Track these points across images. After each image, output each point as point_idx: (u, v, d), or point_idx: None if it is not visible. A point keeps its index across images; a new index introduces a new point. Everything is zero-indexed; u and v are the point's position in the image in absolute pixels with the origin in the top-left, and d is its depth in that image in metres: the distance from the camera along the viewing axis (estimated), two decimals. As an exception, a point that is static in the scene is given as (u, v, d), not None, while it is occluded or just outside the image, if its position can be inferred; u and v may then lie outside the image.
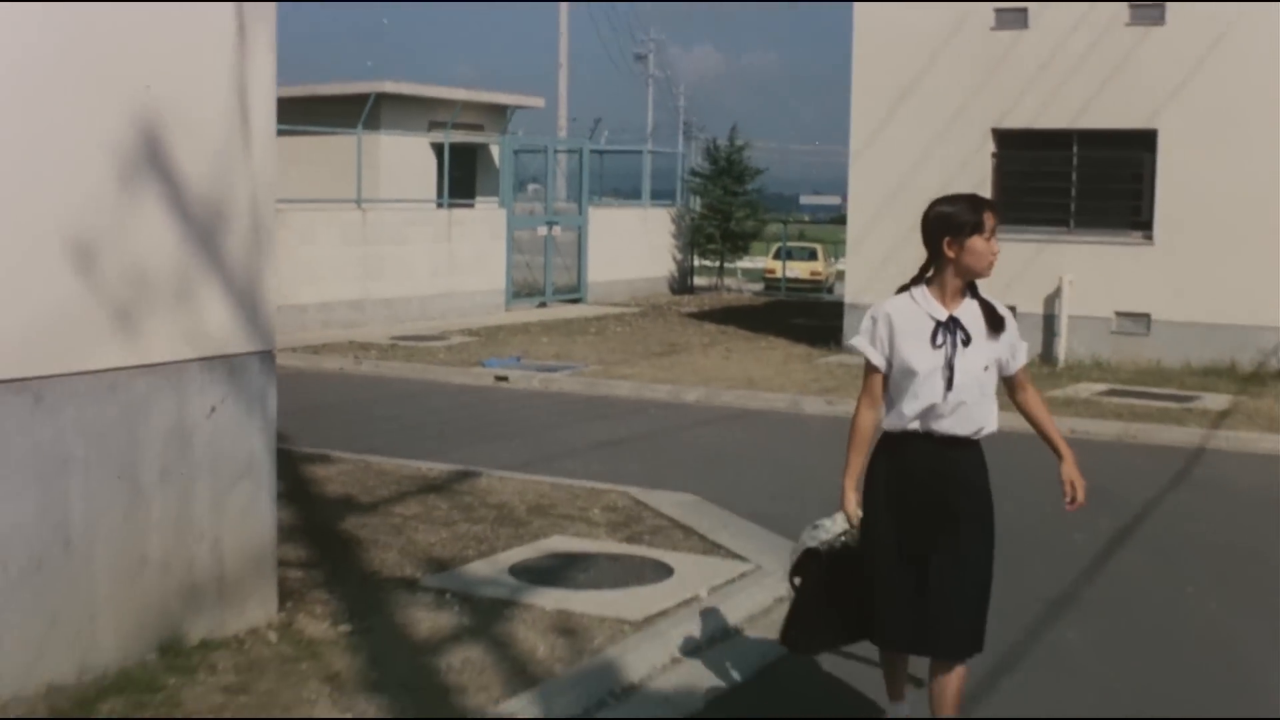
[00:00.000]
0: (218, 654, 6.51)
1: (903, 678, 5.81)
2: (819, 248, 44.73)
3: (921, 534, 5.33)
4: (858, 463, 5.56)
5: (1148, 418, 14.75)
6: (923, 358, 5.33)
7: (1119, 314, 19.30)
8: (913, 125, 20.13)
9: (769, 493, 11.07)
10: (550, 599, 7.46)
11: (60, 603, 6.01)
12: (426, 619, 7.16)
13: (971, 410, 5.34)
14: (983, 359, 5.35)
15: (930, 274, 5.46)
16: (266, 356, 7.01)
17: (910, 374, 5.35)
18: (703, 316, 27.15)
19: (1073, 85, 19.27)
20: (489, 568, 8.13)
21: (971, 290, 5.43)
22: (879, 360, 5.46)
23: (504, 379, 17.80)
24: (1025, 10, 19.73)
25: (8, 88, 5.67)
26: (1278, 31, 18.08)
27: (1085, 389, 16.89)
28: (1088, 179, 19.78)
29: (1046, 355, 19.31)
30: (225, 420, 6.76)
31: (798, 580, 5.74)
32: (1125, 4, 19.10)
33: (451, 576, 7.93)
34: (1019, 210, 19.18)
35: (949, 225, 5.33)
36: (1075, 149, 19.77)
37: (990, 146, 20.10)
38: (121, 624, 6.30)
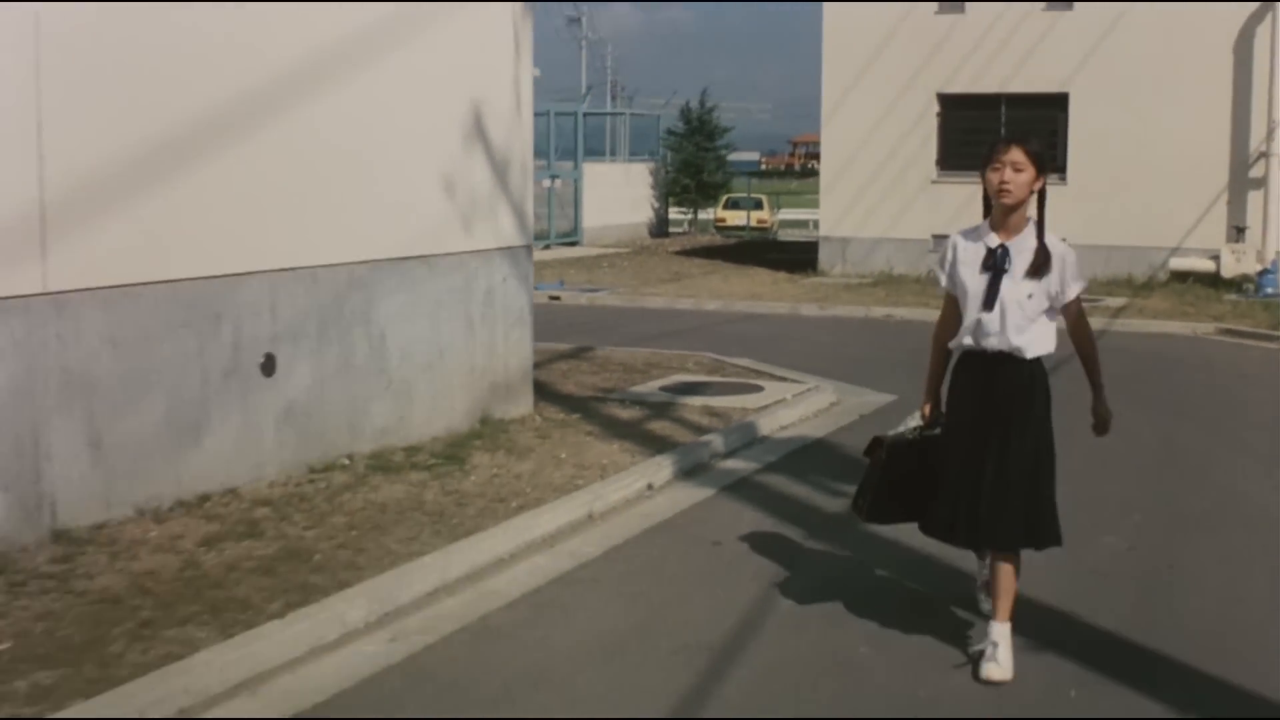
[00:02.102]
0: (514, 424, 10.64)
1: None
2: (764, 198, 48.91)
3: (976, 438, 5.73)
4: (931, 370, 6.08)
5: (1063, 313, 19.13)
6: (972, 280, 5.68)
7: (1040, 240, 23.65)
8: (873, 92, 24.36)
9: (799, 357, 15.25)
10: (695, 400, 11.67)
11: (438, 388, 10.15)
12: (621, 411, 11.32)
13: (1014, 331, 5.61)
14: (1027, 287, 5.59)
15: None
16: (529, 249, 11.15)
17: (964, 293, 5.73)
18: (689, 254, 31.32)
19: (1001, 59, 23.59)
20: (644, 389, 12.31)
21: (1039, 228, 5.68)
22: (944, 280, 5.89)
23: (557, 298, 21.92)
24: (962, -2, 24.04)
25: (426, 100, 9.78)
26: (1163, 13, 22.45)
27: (1015, 297, 21.27)
28: (1015, 132, 24.04)
29: (983, 274, 23.71)
30: (510, 286, 10.90)
31: (867, 460, 6.28)
32: (1042, -8, 23.45)
33: (622, 394, 12.09)
34: (959, 160, 23.54)
35: (981, 161, 5.73)
36: (1004, 109, 24.13)
37: (935, 108, 24.42)
38: (463, 405, 10.43)
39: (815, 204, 56.37)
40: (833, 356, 15.56)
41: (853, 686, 5.64)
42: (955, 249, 5.82)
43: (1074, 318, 5.78)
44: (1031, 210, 5.70)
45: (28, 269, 7.13)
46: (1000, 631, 5.68)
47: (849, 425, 11.28)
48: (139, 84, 7.69)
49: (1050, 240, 5.66)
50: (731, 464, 9.82)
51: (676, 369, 13.65)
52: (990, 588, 5.83)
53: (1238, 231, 22.42)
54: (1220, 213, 22.61)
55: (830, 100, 25.04)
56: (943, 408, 6.04)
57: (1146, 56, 22.65)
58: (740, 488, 9.06)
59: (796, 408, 11.63)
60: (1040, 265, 5.59)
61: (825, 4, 25.15)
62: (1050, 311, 5.68)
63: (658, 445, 9.96)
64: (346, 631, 6.17)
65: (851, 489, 6.52)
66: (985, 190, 5.70)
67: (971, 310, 5.69)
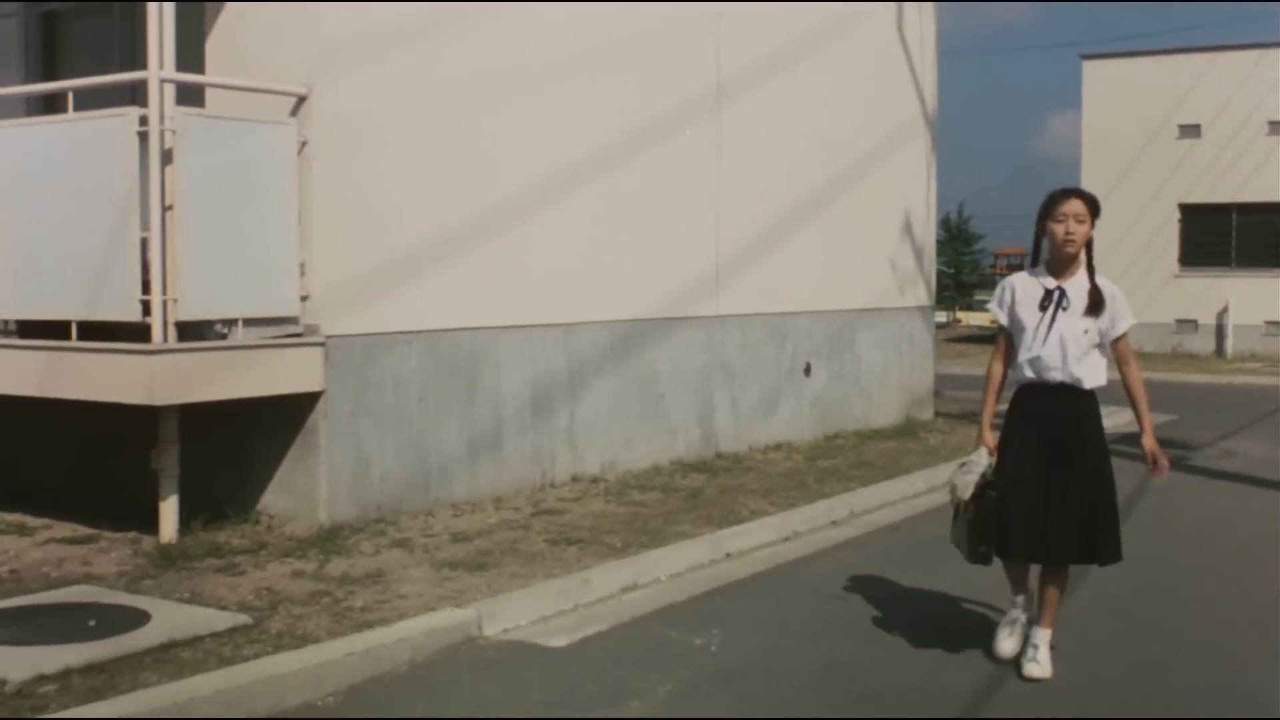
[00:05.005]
0: (927, 423, 15.54)
1: (1023, 578, 6.28)
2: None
3: (1042, 465, 5.97)
4: (989, 404, 6.30)
5: (1292, 376, 23.44)
6: (1030, 318, 5.97)
7: (1267, 323, 28.00)
8: (1125, 201, 28.96)
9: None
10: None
11: (885, 395, 15.16)
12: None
13: (1072, 364, 5.93)
14: (1083, 323, 5.90)
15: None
16: (932, 309, 16.21)
17: (1021, 330, 6.01)
18: (957, 340, 36.00)
19: (1231, 174, 28.10)
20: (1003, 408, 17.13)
21: (1089, 269, 5.98)
22: (1003, 318, 6.14)
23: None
24: (1199, 125, 28.60)
25: (880, 208, 14.96)
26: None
27: (1250, 366, 25.60)
28: (1243, 235, 28.55)
29: (1219, 350, 28.07)
30: (921, 332, 15.94)
31: (971, 508, 6.12)
32: (1265, 120, 27.90)
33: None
34: (1197, 257, 28.14)
35: (1040, 212, 5.99)
36: (1234, 216, 28.55)
37: (1177, 215, 28.95)
38: (896, 408, 15.43)
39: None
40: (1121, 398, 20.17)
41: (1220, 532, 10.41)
42: (1014, 290, 6.12)
43: (1123, 357, 6.10)
44: (1083, 255, 6.01)
45: (710, 301, 12.39)
46: (1042, 636, 6.12)
47: (1160, 424, 16.00)
48: (760, 195, 12.95)
49: (1102, 281, 6.00)
50: (1084, 441, 14.61)
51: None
52: (1038, 596, 6.21)
53: None
54: None
55: (1087, 209, 29.72)
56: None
57: (1356, 172, 26.96)
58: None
59: (1112, 417, 16.34)
60: (1096, 303, 5.92)
61: (1084, 125, 29.97)
62: (1100, 347, 6.00)
63: (1031, 432, 14.78)
64: (914, 493, 11.18)
65: (1177, 450, 10.68)
66: (1037, 238, 6.02)
67: (1029, 346, 6.00)
